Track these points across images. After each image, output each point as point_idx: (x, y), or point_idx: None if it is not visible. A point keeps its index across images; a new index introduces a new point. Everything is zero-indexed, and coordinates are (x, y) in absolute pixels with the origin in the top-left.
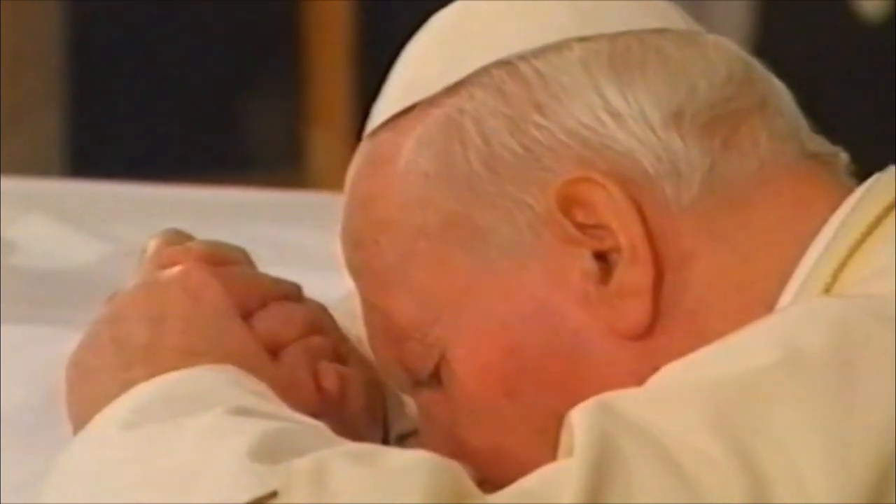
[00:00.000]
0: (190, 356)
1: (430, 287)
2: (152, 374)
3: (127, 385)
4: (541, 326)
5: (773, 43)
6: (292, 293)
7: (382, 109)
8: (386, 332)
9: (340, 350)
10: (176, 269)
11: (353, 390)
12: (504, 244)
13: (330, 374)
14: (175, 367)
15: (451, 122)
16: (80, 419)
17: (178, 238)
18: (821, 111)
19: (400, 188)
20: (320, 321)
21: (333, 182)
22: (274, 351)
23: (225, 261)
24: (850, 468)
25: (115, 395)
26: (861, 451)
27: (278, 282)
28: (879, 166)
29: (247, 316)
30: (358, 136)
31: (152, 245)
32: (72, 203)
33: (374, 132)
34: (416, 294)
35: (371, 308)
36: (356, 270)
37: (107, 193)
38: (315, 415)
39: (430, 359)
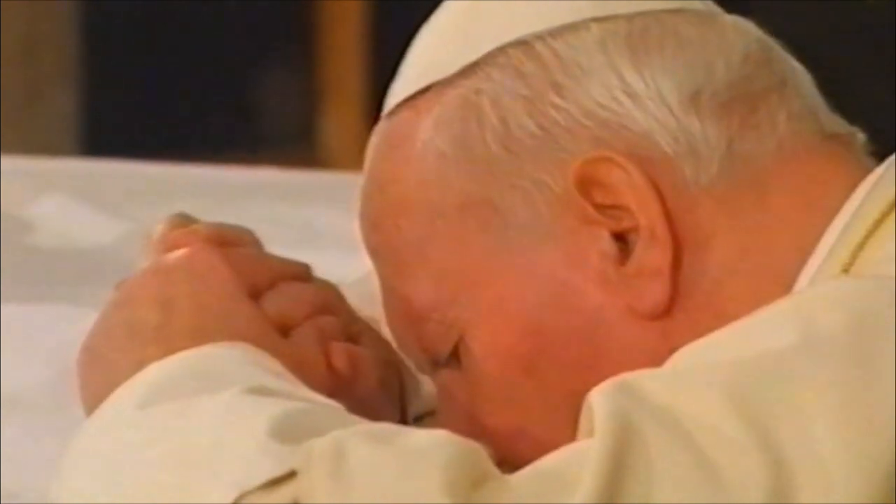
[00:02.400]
0: (201, 336)
1: (449, 267)
2: (165, 355)
3: (140, 366)
4: (559, 307)
5: (789, 24)
6: (301, 273)
7: (399, 90)
8: (405, 312)
9: (351, 330)
10: (183, 252)
11: (365, 370)
12: (522, 225)
13: (340, 354)
14: (187, 348)
15: (469, 102)
16: (93, 403)
17: (183, 221)
18: (837, 91)
19: (417, 169)
20: (330, 301)
21: (346, 161)
22: (283, 331)
23: (232, 242)
24: (870, 449)
25: (129, 377)
26: (881, 432)
27: (286, 262)
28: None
29: (255, 296)
30: (371, 114)
31: (158, 229)
32: (88, 183)
33: (391, 113)
34: (434, 275)
35: (390, 289)
36: (374, 251)
37: (123, 173)
38: (328, 395)
39: (448, 339)
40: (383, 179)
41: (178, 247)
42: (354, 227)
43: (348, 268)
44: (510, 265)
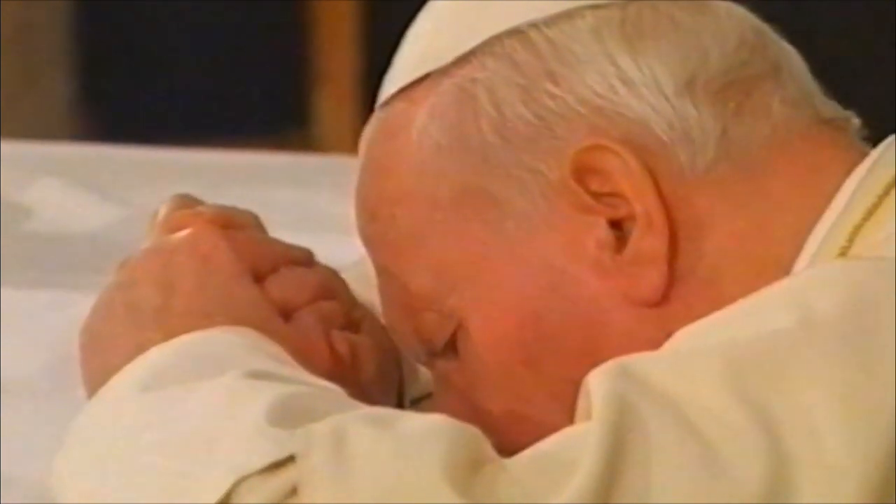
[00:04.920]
0: (202, 318)
1: (446, 257)
2: (166, 338)
3: (141, 348)
4: (556, 295)
5: (783, 10)
6: (303, 258)
7: (394, 80)
8: (401, 302)
9: (352, 315)
10: (186, 233)
11: (365, 358)
12: (518, 214)
13: (341, 341)
14: (188, 330)
15: (464, 92)
16: (94, 385)
17: (188, 202)
18: (831, 76)
19: (413, 159)
20: (332, 286)
21: (340, 145)
22: (285, 315)
23: (235, 224)
24: (868, 430)
25: (130, 359)
26: (880, 413)
27: (289, 246)
28: (891, 130)
29: (258, 280)
30: (365, 98)
31: (163, 210)
32: (85, 167)
33: (387, 103)
34: (431, 265)
35: (386, 279)
36: (371, 241)
37: (119, 158)
38: (328, 380)
39: (446, 329)
40: (379, 170)
41: (181, 228)
42: (349, 211)
43: (344, 251)
44: (507, 254)
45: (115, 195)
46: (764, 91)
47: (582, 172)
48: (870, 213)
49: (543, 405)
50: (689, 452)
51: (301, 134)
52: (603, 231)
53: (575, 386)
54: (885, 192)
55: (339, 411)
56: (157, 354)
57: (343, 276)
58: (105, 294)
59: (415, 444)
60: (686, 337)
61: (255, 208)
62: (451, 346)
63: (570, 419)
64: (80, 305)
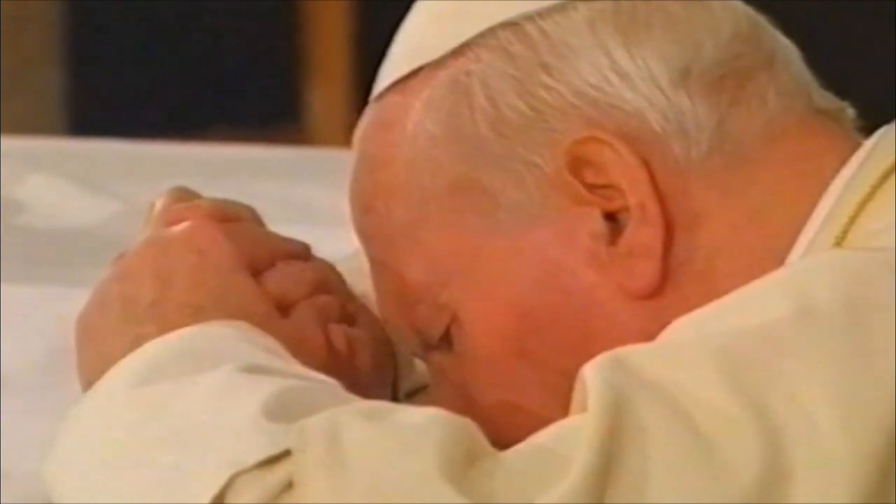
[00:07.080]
0: (198, 312)
1: (440, 249)
2: (161, 331)
3: (136, 342)
4: (551, 287)
5: (778, 1)
6: (301, 252)
7: (389, 72)
8: (396, 295)
9: (349, 309)
10: (183, 226)
11: (361, 351)
12: (513, 206)
13: (339, 336)
14: (183, 324)
15: (458, 84)
16: (89, 377)
17: (185, 195)
18: (826, 66)
19: (408, 152)
20: (329, 280)
21: (332, 138)
22: (282, 310)
23: (233, 218)
24: (865, 420)
25: (125, 353)
26: (875, 403)
27: (287, 240)
28: (886, 120)
29: (255, 274)
30: (357, 91)
31: (160, 203)
32: (77, 162)
33: (381, 95)
34: (425, 257)
35: (381, 272)
36: (365, 234)
37: (111, 152)
38: (324, 373)
39: (440, 321)
40: (374, 163)
41: (178, 221)
42: (343, 204)
43: (337, 244)
44: (501, 246)
45: (108, 190)
46: (759, 82)
47: (577, 164)
48: (865, 204)
49: (538, 397)
50: (685, 444)
51: (294, 127)
52: (597, 223)
53: (570, 378)
54: (880, 183)
55: (335, 405)
56: (153, 349)
57: (338, 268)
58: (101, 287)
59: (410, 438)
60: (681, 328)
61: (248, 202)
62: (446, 339)
63: (564, 411)
64: (74, 300)
